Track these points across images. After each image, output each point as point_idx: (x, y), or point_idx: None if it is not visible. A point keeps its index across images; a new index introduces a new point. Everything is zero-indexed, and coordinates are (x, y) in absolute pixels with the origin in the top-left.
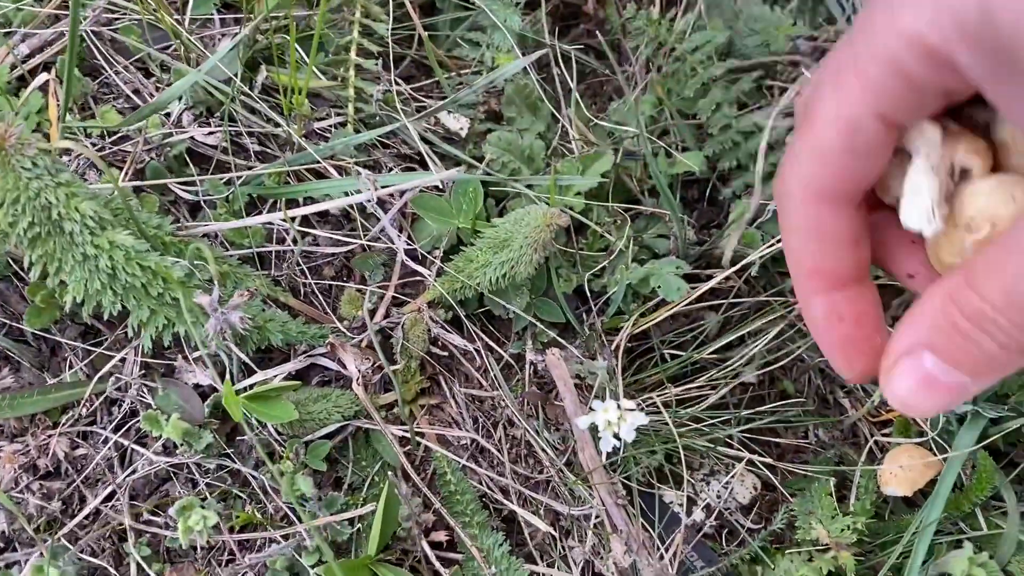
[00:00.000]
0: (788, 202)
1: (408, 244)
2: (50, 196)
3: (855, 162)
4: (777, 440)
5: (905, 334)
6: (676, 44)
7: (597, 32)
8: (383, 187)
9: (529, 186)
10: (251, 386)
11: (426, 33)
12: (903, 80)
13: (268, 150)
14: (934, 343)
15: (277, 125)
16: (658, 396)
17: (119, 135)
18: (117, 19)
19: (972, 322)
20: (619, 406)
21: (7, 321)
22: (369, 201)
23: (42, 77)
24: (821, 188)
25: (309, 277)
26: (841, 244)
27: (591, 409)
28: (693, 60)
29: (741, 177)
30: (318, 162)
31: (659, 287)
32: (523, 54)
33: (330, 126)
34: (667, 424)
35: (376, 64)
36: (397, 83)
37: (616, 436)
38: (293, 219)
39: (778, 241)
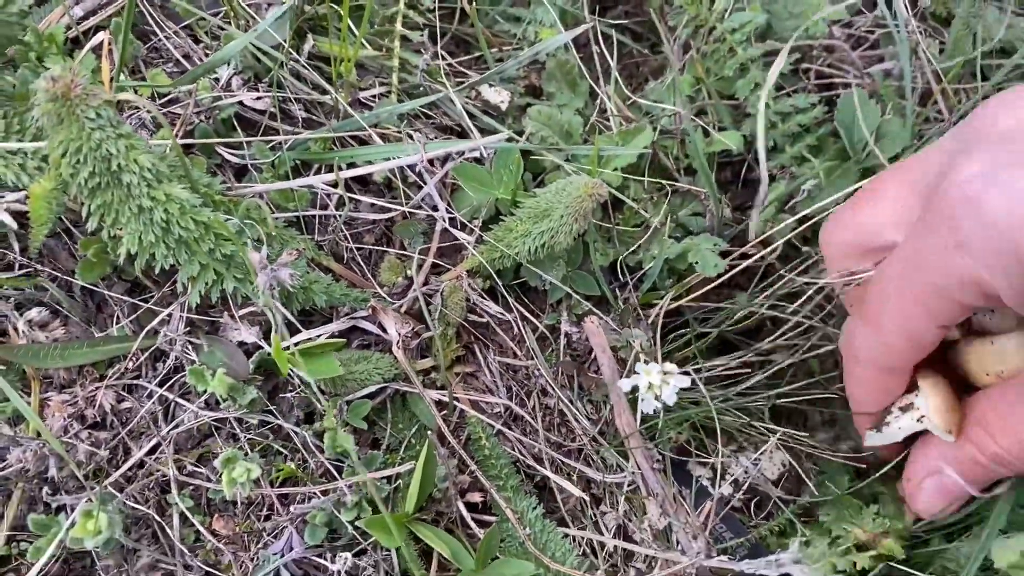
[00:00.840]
0: (860, 370)
1: (449, 213)
2: (111, 147)
3: (916, 355)
4: (805, 415)
5: (926, 460)
6: (716, 24)
7: (636, 12)
8: (431, 152)
9: (568, 159)
10: (296, 344)
11: (471, 5)
12: (957, 305)
13: (314, 117)
14: (960, 469)
15: (324, 92)
16: (692, 368)
17: (169, 97)
18: None
19: (991, 459)
20: (662, 369)
21: (57, 274)
22: (418, 164)
23: (97, 38)
24: (887, 365)
25: (351, 243)
26: (894, 394)
27: (634, 372)
28: (732, 40)
29: (777, 159)
30: (363, 129)
31: (697, 262)
32: (564, 30)
33: (374, 96)
34: (700, 398)
35: (421, 36)
36: (441, 56)
37: (657, 398)
38: (340, 183)
39: (804, 221)
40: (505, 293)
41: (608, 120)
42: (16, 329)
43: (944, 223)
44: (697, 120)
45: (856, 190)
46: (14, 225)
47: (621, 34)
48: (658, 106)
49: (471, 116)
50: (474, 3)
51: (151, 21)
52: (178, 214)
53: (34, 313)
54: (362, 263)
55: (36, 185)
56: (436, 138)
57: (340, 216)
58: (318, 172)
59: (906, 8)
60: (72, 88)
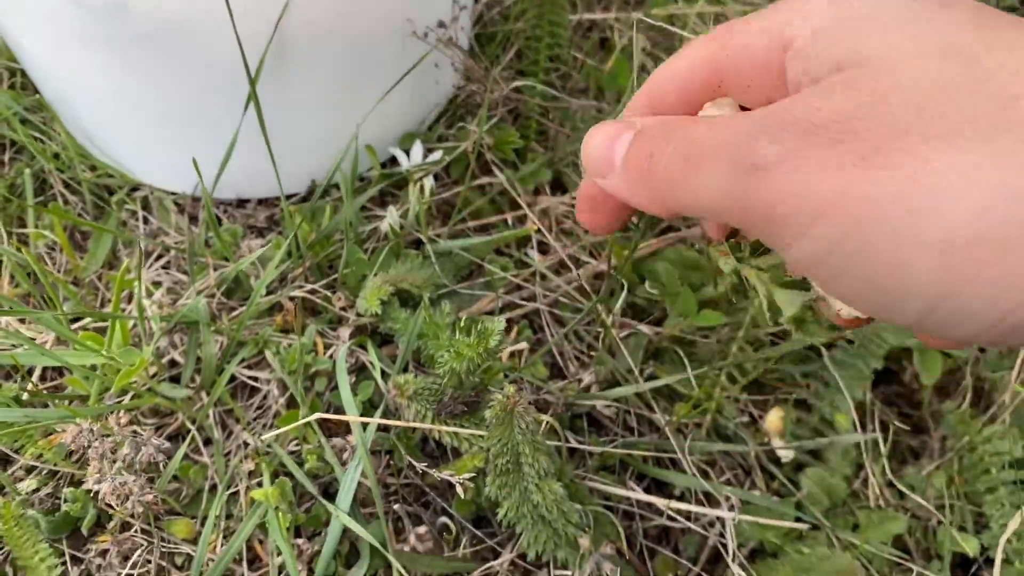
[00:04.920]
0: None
1: None
2: (525, 448)
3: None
4: None
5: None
6: (977, 444)
7: (907, 394)
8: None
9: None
10: None
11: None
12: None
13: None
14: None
15: None
16: None
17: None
18: None
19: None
20: None
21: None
22: None
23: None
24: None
25: None
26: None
27: None
28: (990, 463)
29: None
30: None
31: None
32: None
33: None
34: None
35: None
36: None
37: None
38: None
39: None
40: None
41: (867, 489)
42: (406, 539)
43: None
44: (938, 514)
45: None
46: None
47: (888, 404)
48: (913, 497)
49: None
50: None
51: None
52: (552, 505)
53: (422, 529)
54: None
55: (467, 459)
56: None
57: None
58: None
59: None
60: (516, 405)
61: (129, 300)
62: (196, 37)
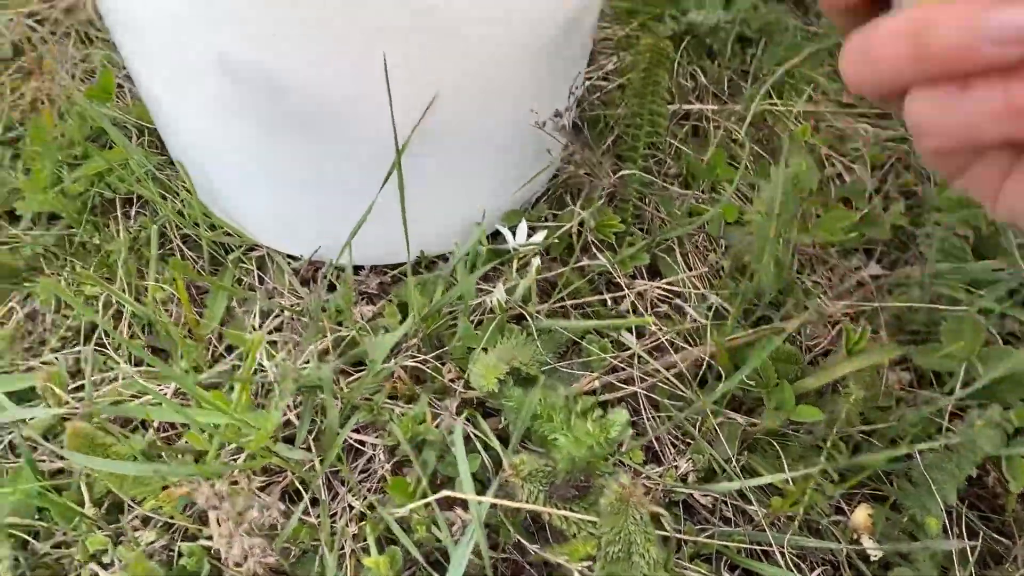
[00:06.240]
0: None
1: None
2: (638, 537)
3: None
4: None
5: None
6: None
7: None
8: None
9: None
10: None
11: None
12: None
13: None
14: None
15: None
16: None
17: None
18: None
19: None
20: None
21: None
22: None
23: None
24: None
25: None
26: None
27: None
28: None
29: None
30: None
31: None
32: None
33: None
34: None
35: None
36: None
37: None
38: None
39: None
40: None
41: None
42: None
43: None
44: None
45: None
46: None
47: (970, 510)
48: None
49: None
50: None
51: None
52: None
53: None
54: None
55: (580, 544)
56: None
57: None
58: None
59: None
60: (633, 494)
61: (241, 358)
62: (348, 118)
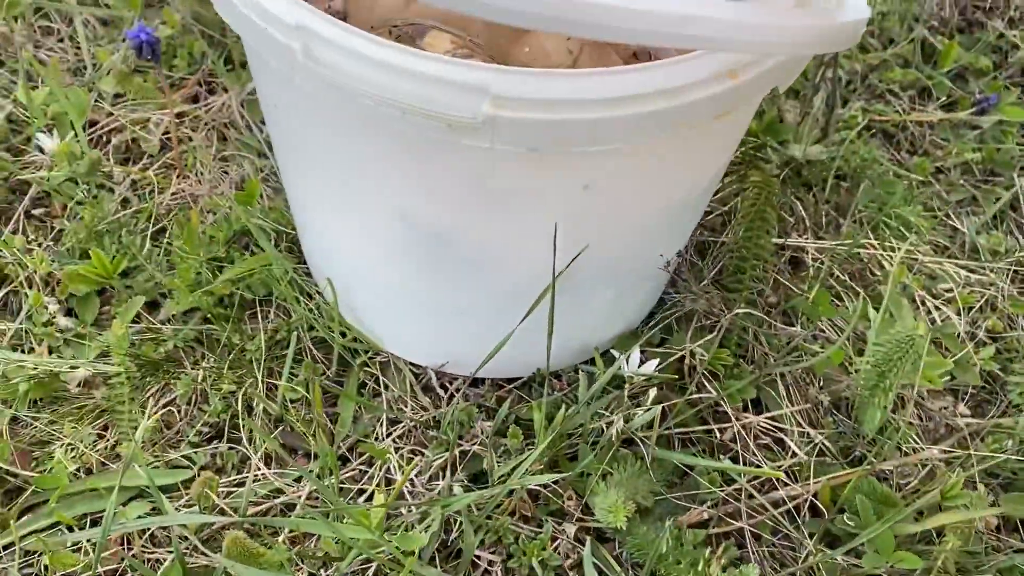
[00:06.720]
0: None
1: None
2: None
3: None
4: None
5: None
6: None
7: None
8: None
9: None
10: None
11: None
12: None
13: None
14: None
15: None
16: None
17: None
18: None
19: None
20: None
21: None
22: None
23: None
24: None
25: None
26: None
27: None
28: None
29: None
30: None
31: None
32: None
33: None
34: None
35: None
36: None
37: None
38: None
39: None
40: None
41: None
42: None
43: None
44: None
45: None
46: None
47: None
48: None
49: None
50: None
51: None
52: None
53: None
54: None
55: None
56: None
57: None
58: None
59: None
60: None
61: (369, 463)
62: (507, 265)
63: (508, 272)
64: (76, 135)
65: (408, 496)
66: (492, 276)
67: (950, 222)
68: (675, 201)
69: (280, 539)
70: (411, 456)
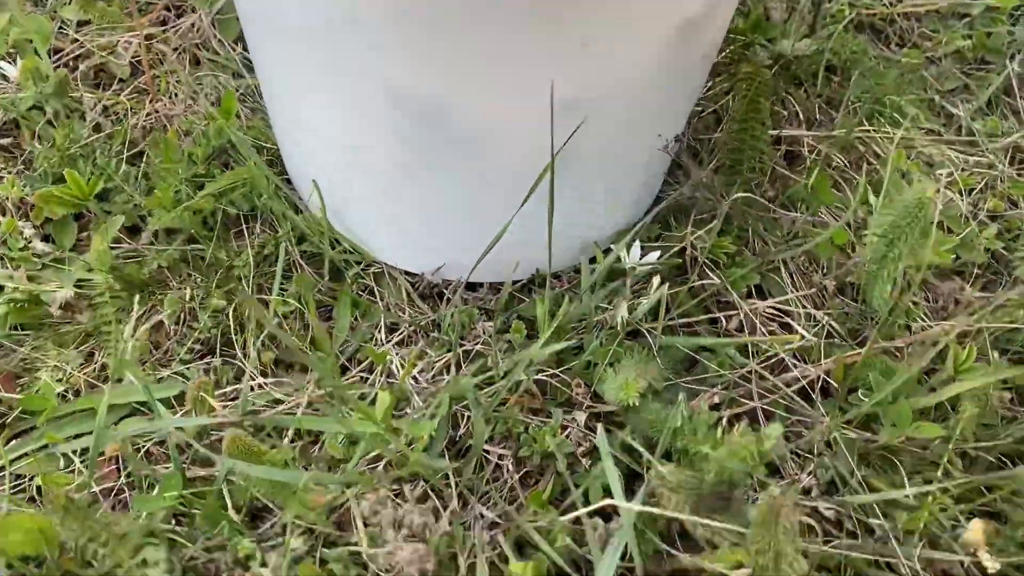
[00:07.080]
0: None
1: None
2: (787, 548)
3: None
4: None
5: None
6: None
7: None
8: None
9: None
10: None
11: None
12: None
13: None
14: None
15: None
16: None
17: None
18: None
19: None
20: None
21: None
22: None
23: None
24: None
25: None
26: None
27: None
28: None
29: None
30: None
31: None
32: None
33: None
34: None
35: None
36: None
37: None
38: None
39: None
40: None
41: None
42: None
43: None
44: None
45: None
46: None
47: None
48: None
49: None
50: None
51: None
52: None
53: None
54: None
55: (729, 553)
56: None
57: None
58: None
59: None
60: (782, 508)
61: (367, 370)
62: (497, 139)
63: (504, 152)
64: (41, 59)
65: (414, 395)
66: (487, 159)
67: (944, 109)
68: (672, 58)
69: (285, 443)
70: (414, 361)
